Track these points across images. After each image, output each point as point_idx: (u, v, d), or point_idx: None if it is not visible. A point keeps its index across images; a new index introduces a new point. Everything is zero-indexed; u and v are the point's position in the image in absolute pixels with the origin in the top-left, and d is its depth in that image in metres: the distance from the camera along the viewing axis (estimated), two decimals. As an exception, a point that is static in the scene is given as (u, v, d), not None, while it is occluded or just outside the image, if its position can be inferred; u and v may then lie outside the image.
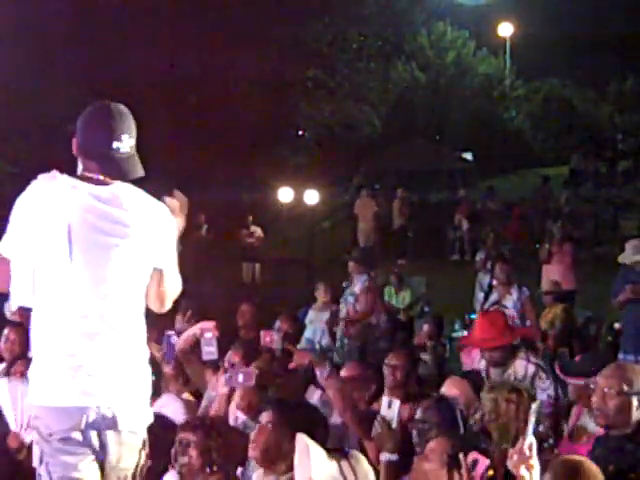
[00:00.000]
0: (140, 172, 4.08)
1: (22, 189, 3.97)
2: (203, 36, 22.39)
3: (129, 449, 4.05)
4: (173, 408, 5.97)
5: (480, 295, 12.87)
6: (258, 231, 23.01)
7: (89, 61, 20.31)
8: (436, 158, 26.16)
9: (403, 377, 6.04)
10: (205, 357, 6.06)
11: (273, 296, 16.98)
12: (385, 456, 4.92)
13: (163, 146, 23.81)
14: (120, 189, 4.05)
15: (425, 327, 10.40)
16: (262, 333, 7.70)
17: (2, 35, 18.39)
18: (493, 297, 10.72)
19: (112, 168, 4.01)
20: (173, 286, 4.24)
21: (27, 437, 5.33)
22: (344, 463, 4.41)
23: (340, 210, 25.40)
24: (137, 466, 4.11)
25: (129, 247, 4.00)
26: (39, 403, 3.98)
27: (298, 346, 8.99)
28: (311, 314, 11.86)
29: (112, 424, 3.98)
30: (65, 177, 3.96)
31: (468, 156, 29.87)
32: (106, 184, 4.01)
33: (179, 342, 6.46)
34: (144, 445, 4.12)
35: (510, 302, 10.19)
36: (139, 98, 23.02)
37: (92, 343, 3.94)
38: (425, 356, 9.54)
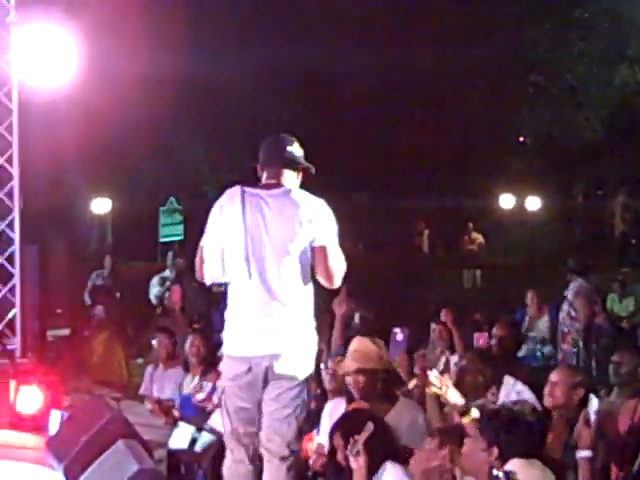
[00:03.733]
0: (310, 166, 5.37)
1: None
2: (420, 39, 22.49)
3: (288, 394, 5.16)
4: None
5: None
6: (479, 238, 23.08)
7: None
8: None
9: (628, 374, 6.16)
10: None
11: (494, 302, 17.03)
12: None
13: (378, 155, 24.21)
14: (287, 190, 5.23)
15: (647, 335, 10.25)
16: (475, 335, 7.89)
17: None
18: None
19: (288, 163, 5.30)
20: (337, 263, 5.24)
21: None
22: None
23: (563, 216, 25.08)
24: (296, 410, 5.21)
25: (290, 231, 5.10)
26: (225, 352, 5.33)
27: (519, 354, 9.10)
28: (529, 321, 11.91)
29: (275, 371, 5.12)
30: (243, 187, 5.24)
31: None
32: (278, 187, 5.23)
33: None
34: (302, 393, 5.22)
35: None
36: (359, 110, 23.61)
37: (261, 310, 5.13)
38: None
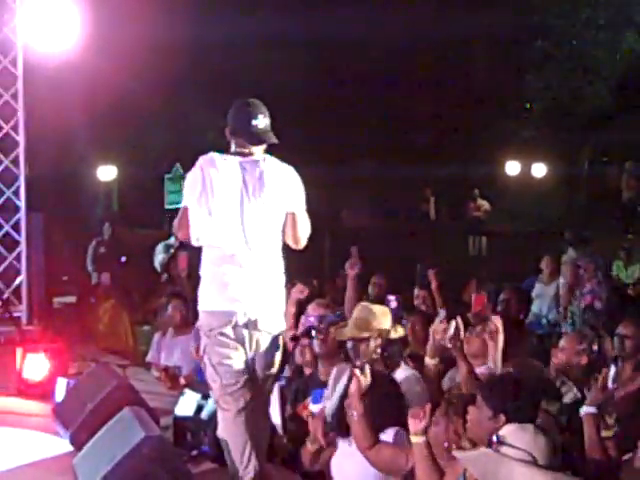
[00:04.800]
0: (274, 140, 5.53)
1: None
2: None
3: (267, 347, 5.52)
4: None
5: None
6: (485, 205, 23.02)
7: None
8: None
9: (633, 347, 6.14)
10: None
11: (500, 269, 17.02)
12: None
13: (384, 123, 24.11)
14: (260, 158, 5.50)
15: (651, 300, 10.19)
16: (473, 297, 7.89)
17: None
18: None
19: (254, 139, 5.49)
20: (304, 228, 5.61)
21: None
22: None
23: (569, 183, 25.04)
24: (273, 365, 5.60)
25: (266, 197, 5.41)
26: (203, 309, 5.54)
27: (527, 320, 9.09)
28: (538, 287, 11.89)
29: (254, 325, 5.43)
30: (219, 154, 5.47)
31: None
32: (250, 155, 5.49)
33: None
34: (278, 349, 5.58)
35: None
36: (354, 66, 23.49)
37: (240, 268, 5.42)
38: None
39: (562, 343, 5.82)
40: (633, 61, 23.26)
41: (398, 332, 6.37)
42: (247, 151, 5.53)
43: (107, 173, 22.18)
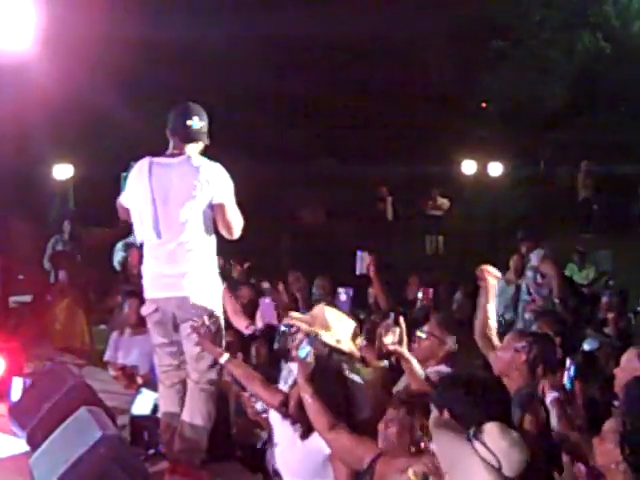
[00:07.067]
0: (206, 141, 6.05)
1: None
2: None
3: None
4: None
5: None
6: (445, 203, 23.08)
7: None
8: (621, 129, 25.48)
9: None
10: None
11: (456, 268, 17.10)
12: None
13: (340, 122, 24.16)
14: (187, 157, 5.96)
15: (604, 299, 10.23)
16: (421, 290, 7.93)
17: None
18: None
19: (186, 137, 5.99)
20: (235, 218, 6.03)
21: None
22: None
23: (525, 182, 25.20)
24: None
25: (187, 194, 5.85)
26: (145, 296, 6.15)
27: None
28: (500, 286, 11.92)
29: (182, 314, 5.95)
30: (151, 158, 6.07)
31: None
32: (180, 155, 5.98)
33: None
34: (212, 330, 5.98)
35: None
36: (315, 65, 23.50)
37: (170, 259, 5.92)
38: (607, 329, 9.46)
39: (504, 342, 5.81)
40: (588, 61, 23.47)
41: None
42: (178, 152, 6.04)
43: (63, 172, 21.97)
